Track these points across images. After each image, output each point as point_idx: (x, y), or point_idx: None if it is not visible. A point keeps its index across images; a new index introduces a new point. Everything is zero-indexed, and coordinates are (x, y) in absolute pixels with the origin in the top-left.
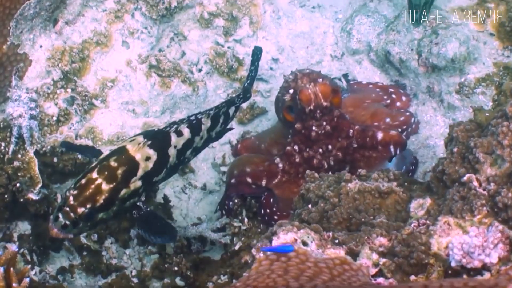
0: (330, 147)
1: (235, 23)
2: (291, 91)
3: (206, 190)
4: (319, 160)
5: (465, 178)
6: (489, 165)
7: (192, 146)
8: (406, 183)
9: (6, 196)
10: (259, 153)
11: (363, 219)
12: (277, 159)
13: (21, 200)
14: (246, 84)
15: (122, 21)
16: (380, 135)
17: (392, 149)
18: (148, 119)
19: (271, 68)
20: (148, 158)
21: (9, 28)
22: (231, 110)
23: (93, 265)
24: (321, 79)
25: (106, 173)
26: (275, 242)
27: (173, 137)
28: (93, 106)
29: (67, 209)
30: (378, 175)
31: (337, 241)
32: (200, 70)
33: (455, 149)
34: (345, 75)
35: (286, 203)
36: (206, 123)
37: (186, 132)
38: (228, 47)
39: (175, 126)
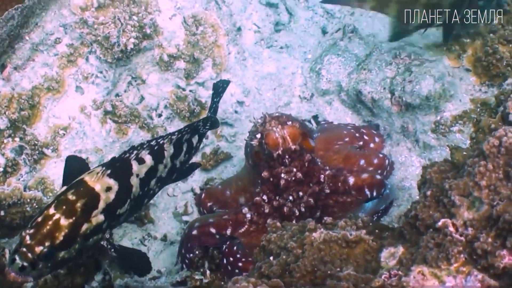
0: (301, 193)
1: (197, 65)
2: (258, 135)
3: (167, 241)
4: (289, 208)
5: (440, 223)
6: (466, 208)
7: (156, 175)
8: (376, 230)
9: None
10: (224, 201)
11: (329, 272)
12: (245, 209)
13: None
14: (209, 114)
15: (75, 66)
16: (351, 180)
17: (367, 192)
18: None
19: (236, 112)
20: (109, 189)
21: None
22: (195, 139)
23: None
24: (290, 122)
25: (64, 207)
26: None
27: (134, 165)
28: (43, 155)
29: (24, 249)
30: (345, 223)
31: None
32: (160, 115)
33: (428, 192)
34: (315, 117)
35: (252, 252)
36: (169, 149)
37: (148, 159)
38: (190, 91)
39: (135, 152)
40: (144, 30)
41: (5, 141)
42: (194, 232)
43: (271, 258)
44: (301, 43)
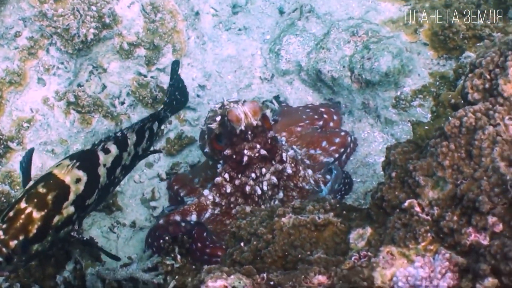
0: (264, 170)
1: (158, 52)
2: (218, 118)
3: (136, 228)
4: (251, 186)
5: (406, 204)
6: (431, 188)
7: (121, 163)
8: (344, 212)
9: None
10: (192, 188)
11: (299, 256)
12: (206, 191)
13: None
14: (166, 100)
15: (36, 58)
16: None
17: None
18: None
19: (198, 96)
20: (78, 180)
21: None
22: (155, 125)
23: None
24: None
25: (35, 200)
26: None
27: (101, 156)
28: (9, 149)
29: None
30: (313, 207)
31: (272, 283)
32: (122, 103)
33: (393, 174)
34: (277, 97)
35: (219, 237)
36: (132, 137)
37: (113, 149)
38: (152, 77)
39: (101, 144)
40: (103, 20)
41: None
42: (161, 221)
43: (242, 244)
44: (259, 24)
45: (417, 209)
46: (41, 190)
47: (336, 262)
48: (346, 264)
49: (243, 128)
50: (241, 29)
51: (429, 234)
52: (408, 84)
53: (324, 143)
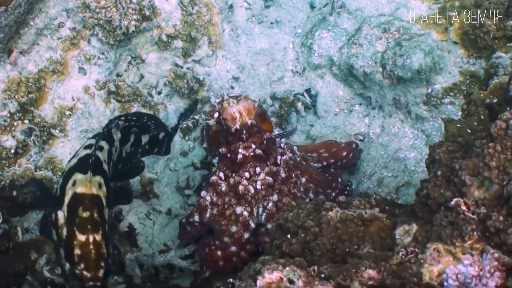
0: (258, 169)
1: (194, 44)
2: (216, 114)
3: (171, 215)
4: (244, 186)
5: (452, 202)
6: (477, 187)
7: (112, 158)
8: (387, 207)
9: None
10: None
11: (347, 249)
12: (203, 192)
13: None
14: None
15: (78, 48)
16: (303, 180)
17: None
18: None
19: (232, 87)
20: (100, 185)
21: None
22: (145, 138)
23: None
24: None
25: (88, 226)
26: (260, 282)
27: (100, 154)
28: (51, 136)
29: (91, 283)
30: (359, 202)
31: (323, 275)
32: (159, 93)
33: (439, 172)
34: (308, 90)
35: (220, 239)
36: (116, 133)
37: (105, 144)
38: (188, 68)
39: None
40: (143, 12)
41: (15, 123)
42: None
43: (289, 236)
44: (290, 18)
45: (464, 207)
46: (85, 214)
47: (384, 257)
48: (394, 259)
49: (237, 127)
50: (273, 22)
51: (475, 233)
52: (439, 82)
53: (321, 150)
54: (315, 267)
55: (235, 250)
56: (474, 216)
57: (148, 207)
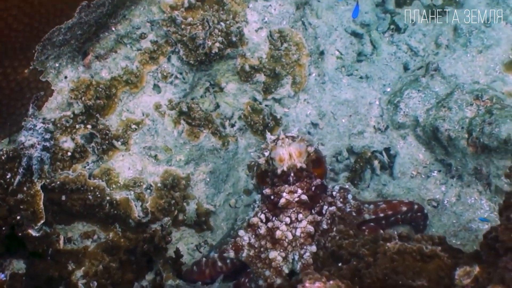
0: (301, 216)
1: (277, 81)
2: (266, 152)
3: None
4: (283, 232)
5: None
6: None
7: None
8: (450, 249)
9: (3, 229)
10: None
11: (400, 282)
12: (241, 231)
13: (20, 234)
14: None
15: (156, 63)
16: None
17: None
18: (170, 168)
19: (309, 133)
20: None
21: (34, 51)
22: None
23: None
24: (302, 142)
25: None
26: None
27: None
28: (112, 147)
29: None
30: (421, 237)
31: None
32: (233, 125)
33: None
34: (387, 149)
35: (256, 282)
36: None
37: None
38: (266, 105)
39: None
40: (229, 37)
41: (77, 126)
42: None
43: (340, 264)
44: (381, 75)
45: None
46: None
47: None
48: None
49: (285, 169)
50: (363, 77)
51: None
52: None
53: (380, 202)
54: None
55: None
56: None
57: (200, 239)
